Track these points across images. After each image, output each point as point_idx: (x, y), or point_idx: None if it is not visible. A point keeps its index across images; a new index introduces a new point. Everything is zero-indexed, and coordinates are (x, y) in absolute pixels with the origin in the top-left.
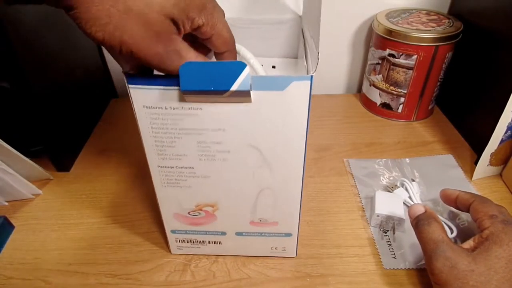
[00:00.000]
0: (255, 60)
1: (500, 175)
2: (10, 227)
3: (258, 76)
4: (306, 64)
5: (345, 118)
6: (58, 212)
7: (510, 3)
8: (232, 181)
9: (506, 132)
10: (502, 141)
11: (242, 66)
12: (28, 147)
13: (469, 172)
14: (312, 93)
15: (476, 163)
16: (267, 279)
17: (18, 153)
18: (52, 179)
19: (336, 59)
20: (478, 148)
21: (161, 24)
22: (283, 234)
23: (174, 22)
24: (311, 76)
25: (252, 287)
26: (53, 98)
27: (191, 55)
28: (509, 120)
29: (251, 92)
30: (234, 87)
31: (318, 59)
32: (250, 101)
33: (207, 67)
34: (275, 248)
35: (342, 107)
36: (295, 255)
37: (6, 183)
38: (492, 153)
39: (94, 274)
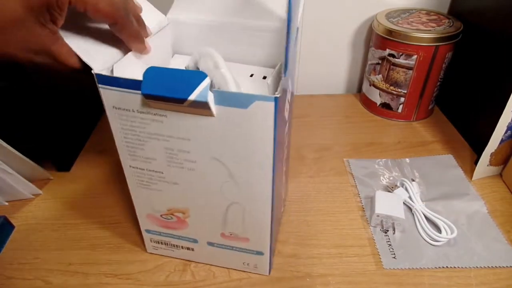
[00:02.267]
0: (226, 69)
1: (500, 175)
2: (10, 227)
3: (221, 91)
4: (268, 83)
5: (345, 118)
6: (58, 212)
7: (510, 3)
8: (201, 191)
9: (506, 132)
10: (502, 141)
11: (202, 76)
12: (28, 146)
13: (469, 172)
14: (312, 93)
15: (476, 163)
16: (267, 279)
17: (18, 153)
18: (52, 179)
19: (336, 59)
20: (478, 148)
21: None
22: (255, 252)
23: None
24: (276, 98)
25: (252, 287)
26: (53, 98)
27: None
28: (509, 120)
29: (213, 106)
30: (192, 97)
31: (281, 78)
32: (212, 114)
33: (168, 73)
34: (247, 264)
35: (342, 107)
36: (268, 273)
37: (6, 183)
38: (492, 153)
39: (94, 274)
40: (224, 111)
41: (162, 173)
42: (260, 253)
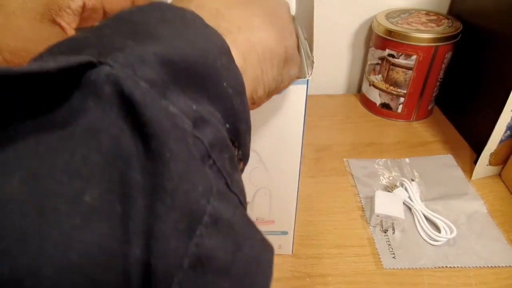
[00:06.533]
0: None
1: (500, 175)
2: None
3: None
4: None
5: (345, 118)
6: None
7: (509, 3)
8: None
9: (505, 132)
10: (501, 141)
11: None
12: None
13: (469, 172)
14: (312, 93)
15: (475, 163)
16: None
17: None
18: None
19: (336, 59)
20: (477, 148)
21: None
22: (279, 232)
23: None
24: (307, 80)
25: None
26: None
27: None
28: (509, 120)
29: None
30: None
31: (313, 62)
32: None
33: None
34: None
35: (342, 107)
36: (291, 252)
37: None
38: (491, 153)
39: None
40: None
41: None
42: (284, 233)
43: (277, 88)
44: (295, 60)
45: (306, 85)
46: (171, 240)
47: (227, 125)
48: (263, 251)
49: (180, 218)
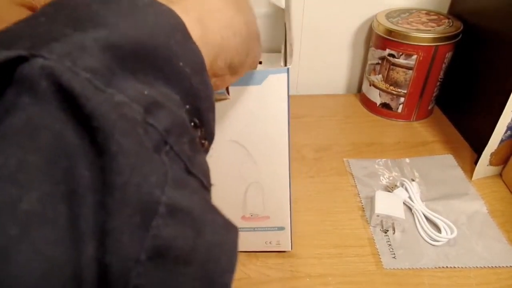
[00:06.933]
0: None
1: (500, 175)
2: None
3: None
4: (282, 57)
5: (345, 118)
6: None
7: (510, 3)
8: (219, 177)
9: (506, 132)
10: (502, 141)
11: None
12: None
13: (469, 172)
14: (312, 93)
15: (476, 163)
16: (267, 279)
17: None
18: None
19: (336, 59)
20: (478, 148)
21: None
22: (276, 228)
23: None
24: (287, 69)
25: (252, 287)
26: None
27: None
28: (509, 120)
29: (228, 88)
30: None
31: (292, 50)
32: (228, 97)
33: None
34: (270, 242)
35: (342, 107)
36: (290, 248)
37: None
38: (492, 153)
39: None
40: (239, 91)
41: None
42: (281, 228)
43: (241, 64)
44: (258, 38)
45: (286, 73)
46: (125, 235)
47: (187, 106)
48: (225, 233)
49: (133, 212)
